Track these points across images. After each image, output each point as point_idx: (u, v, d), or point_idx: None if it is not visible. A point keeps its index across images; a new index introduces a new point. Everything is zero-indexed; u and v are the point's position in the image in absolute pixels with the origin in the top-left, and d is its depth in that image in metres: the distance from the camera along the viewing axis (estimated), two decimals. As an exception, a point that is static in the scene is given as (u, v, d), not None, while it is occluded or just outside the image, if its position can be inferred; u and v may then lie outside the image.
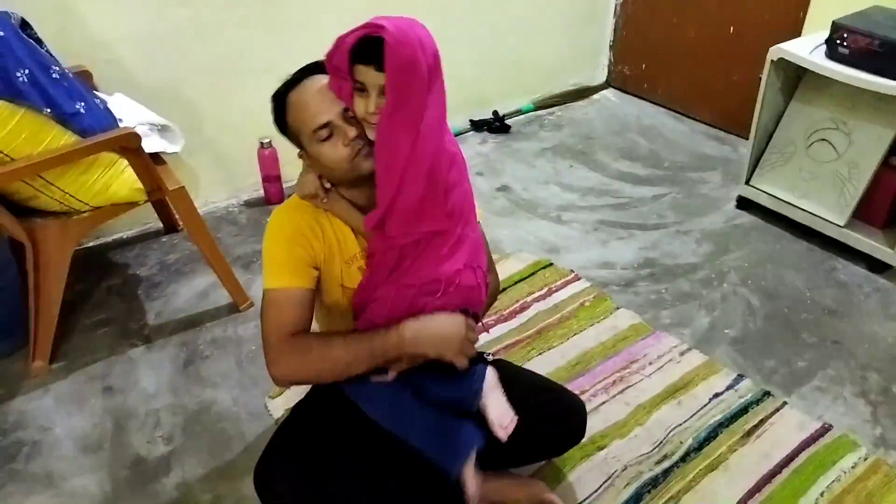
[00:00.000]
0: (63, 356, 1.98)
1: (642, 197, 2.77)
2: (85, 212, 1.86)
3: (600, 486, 1.60)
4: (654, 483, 1.61)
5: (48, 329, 1.90)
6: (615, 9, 3.46)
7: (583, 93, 3.60)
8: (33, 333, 1.90)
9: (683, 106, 3.35)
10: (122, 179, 1.88)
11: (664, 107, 3.43)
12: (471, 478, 1.33)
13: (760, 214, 2.59)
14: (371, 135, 1.23)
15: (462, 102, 3.18)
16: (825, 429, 1.74)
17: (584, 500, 1.57)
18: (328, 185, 1.32)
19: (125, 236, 2.53)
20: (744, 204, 2.64)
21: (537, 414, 1.47)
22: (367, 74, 1.17)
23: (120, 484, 1.62)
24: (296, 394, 1.82)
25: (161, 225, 2.56)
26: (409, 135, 1.19)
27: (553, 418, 1.50)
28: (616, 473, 1.63)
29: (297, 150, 1.32)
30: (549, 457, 1.64)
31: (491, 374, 1.40)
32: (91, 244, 2.48)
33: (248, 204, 2.72)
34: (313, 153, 1.27)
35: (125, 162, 1.88)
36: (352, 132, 1.23)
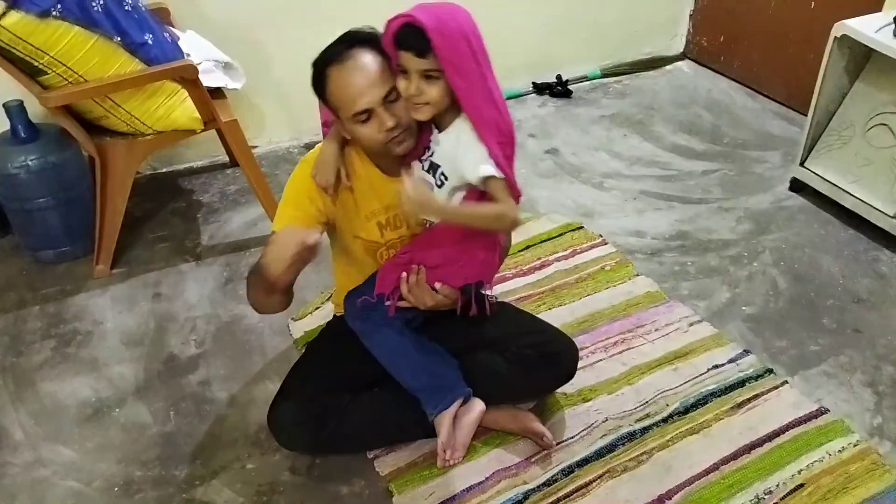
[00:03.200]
0: (124, 263, 2.24)
1: (691, 171, 2.73)
2: (149, 134, 2.07)
3: (578, 433, 1.68)
4: (631, 437, 1.67)
5: (111, 237, 2.16)
6: (698, -23, 3.35)
7: (656, 63, 3.52)
8: (97, 240, 2.16)
9: (758, 82, 3.23)
10: (182, 108, 2.08)
11: (739, 82, 3.32)
12: (446, 425, 1.49)
13: (812, 198, 2.51)
14: (416, 115, 1.30)
15: (526, 65, 3.21)
16: (820, 411, 1.73)
17: (559, 443, 1.65)
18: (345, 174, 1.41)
19: (194, 166, 2.77)
20: (797, 186, 2.56)
21: (532, 354, 1.58)
22: (409, 60, 1.25)
23: (152, 375, 1.85)
24: (315, 319, 1.99)
25: (227, 159, 2.77)
26: (490, 106, 1.28)
27: (546, 358, 1.61)
28: (596, 424, 1.70)
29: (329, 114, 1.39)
30: (541, 394, 1.74)
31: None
32: (164, 170, 2.74)
33: (308, 146, 2.88)
34: (349, 129, 1.35)
35: (186, 93, 2.07)
36: (390, 122, 1.29)
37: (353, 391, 1.56)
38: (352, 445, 1.60)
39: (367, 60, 1.29)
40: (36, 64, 1.81)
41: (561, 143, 2.92)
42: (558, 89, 3.26)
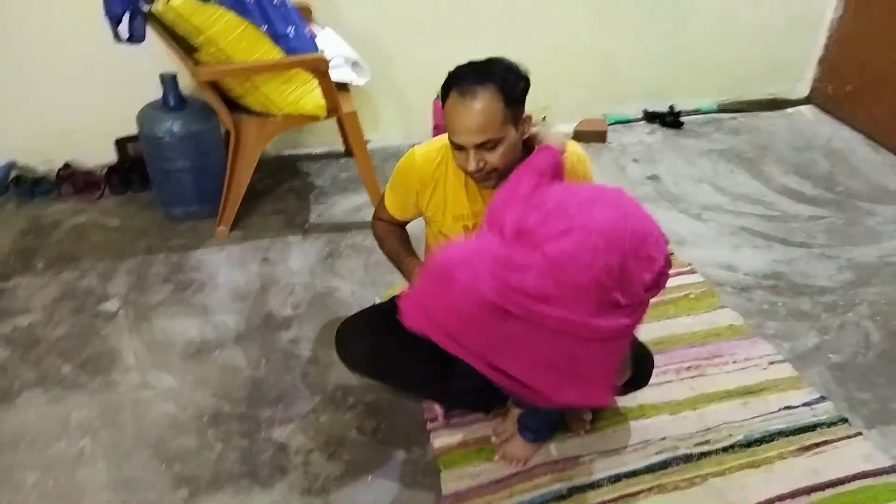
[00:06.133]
0: (242, 228, 2.48)
1: (798, 214, 2.67)
2: (279, 116, 2.30)
3: (631, 444, 1.70)
4: (687, 459, 1.67)
5: (234, 203, 2.40)
6: (831, 22, 3.27)
7: (777, 104, 3.45)
8: (222, 205, 2.40)
9: (882, 136, 3.10)
10: (311, 96, 2.29)
11: (863, 133, 3.20)
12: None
13: (923, 258, 2.39)
14: None
15: (638, 92, 3.26)
16: (894, 468, 1.66)
17: (610, 450, 1.68)
18: None
19: (313, 152, 3.00)
20: (909, 244, 2.45)
21: None
22: None
23: (251, 327, 2.04)
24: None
25: (343, 149, 2.99)
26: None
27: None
28: (652, 440, 1.71)
29: None
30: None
31: None
32: (287, 153, 2.99)
33: (418, 146, 3.06)
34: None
35: (316, 83, 2.27)
36: (471, 166, 1.33)
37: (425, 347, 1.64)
38: (409, 384, 1.67)
39: (482, 106, 1.28)
40: (192, 42, 2.07)
41: (664, 170, 2.93)
42: (669, 119, 3.27)
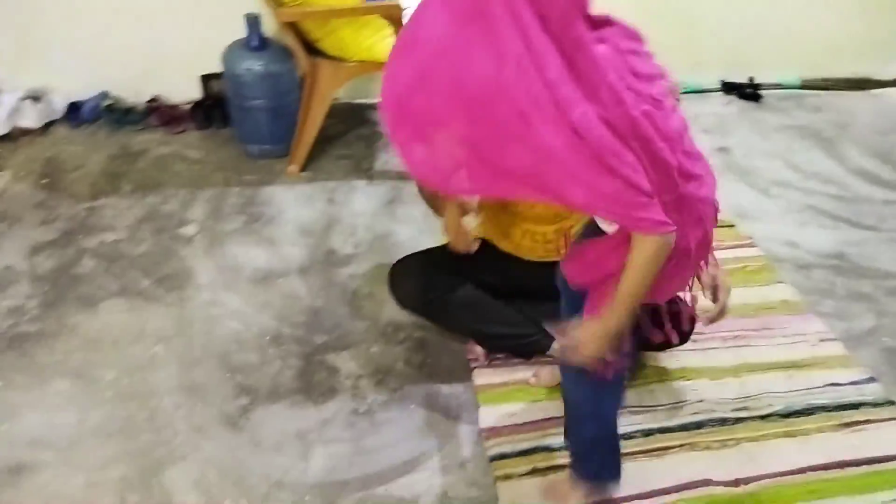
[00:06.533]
0: (311, 169, 2.59)
1: (871, 197, 2.59)
2: (352, 62, 2.37)
3: (667, 403, 1.74)
4: (722, 422, 1.69)
5: (306, 144, 2.51)
6: (934, -1, 3.09)
7: (864, 84, 3.31)
8: (295, 145, 2.52)
9: (978, 122, 2.94)
10: (384, 43, 2.35)
11: (956, 119, 3.04)
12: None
13: None
14: None
15: (716, 62, 3.19)
16: (936, 454, 1.65)
17: (645, 405, 1.72)
18: None
19: (385, 101, 3.08)
20: None
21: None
22: None
23: (314, 260, 2.16)
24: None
25: (414, 100, 3.05)
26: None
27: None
28: (689, 401, 1.74)
29: None
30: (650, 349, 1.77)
31: None
32: (358, 101, 3.06)
33: (487, 102, 3.09)
34: None
35: (390, 31, 2.33)
36: None
37: (476, 285, 1.74)
38: (454, 323, 1.78)
39: None
40: (276, -17, 2.16)
41: (736, 142, 2.87)
42: (748, 91, 3.18)
